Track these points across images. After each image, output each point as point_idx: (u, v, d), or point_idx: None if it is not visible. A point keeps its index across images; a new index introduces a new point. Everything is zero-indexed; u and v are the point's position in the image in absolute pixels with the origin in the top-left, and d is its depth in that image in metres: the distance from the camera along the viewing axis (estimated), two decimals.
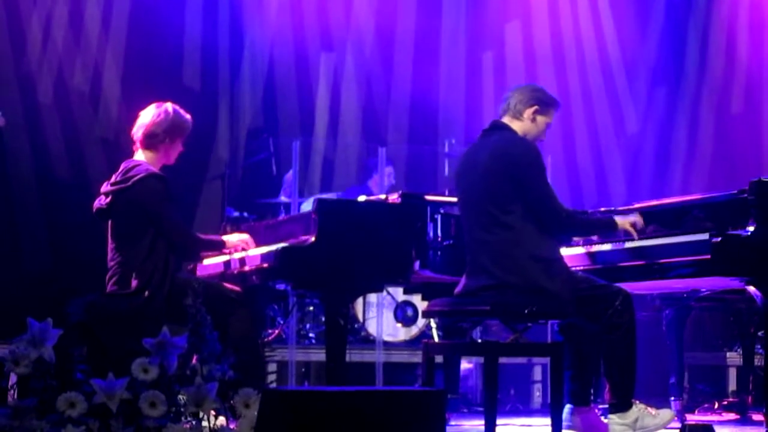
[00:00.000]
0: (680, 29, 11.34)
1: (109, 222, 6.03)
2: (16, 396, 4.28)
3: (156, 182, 5.91)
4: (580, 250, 6.04)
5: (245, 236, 6.30)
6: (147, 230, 5.87)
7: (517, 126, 5.65)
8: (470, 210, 5.65)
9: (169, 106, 6.12)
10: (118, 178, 5.99)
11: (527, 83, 5.96)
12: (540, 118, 5.68)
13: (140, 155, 6.08)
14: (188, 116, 6.18)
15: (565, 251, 5.83)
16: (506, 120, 5.67)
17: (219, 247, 6.26)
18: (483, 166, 5.55)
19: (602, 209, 6.28)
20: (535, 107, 5.66)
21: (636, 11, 11.39)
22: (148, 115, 6.08)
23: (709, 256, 5.31)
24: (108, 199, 6.00)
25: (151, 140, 6.05)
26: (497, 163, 5.49)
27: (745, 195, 5.49)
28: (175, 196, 6.01)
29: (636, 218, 5.75)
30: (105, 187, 6.05)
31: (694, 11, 11.32)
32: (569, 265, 5.70)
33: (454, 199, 6.19)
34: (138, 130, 6.07)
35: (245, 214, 9.27)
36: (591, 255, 5.99)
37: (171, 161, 6.18)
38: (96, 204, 6.08)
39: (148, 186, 5.89)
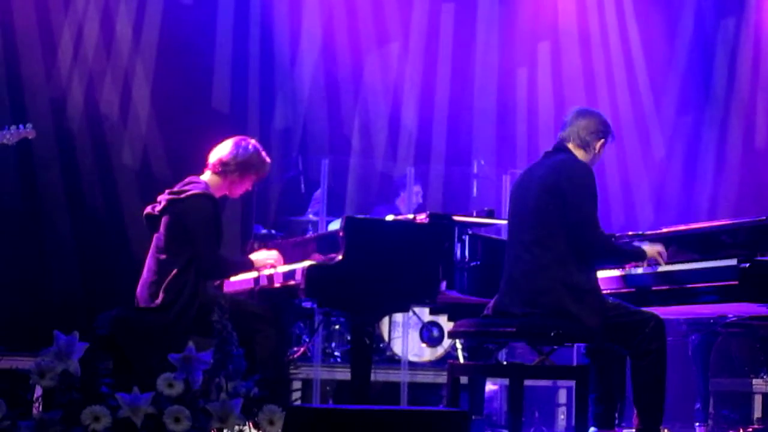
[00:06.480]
0: (708, 53, 11.30)
1: (154, 232, 6.01)
2: (41, 408, 4.30)
3: (206, 202, 5.91)
4: (614, 272, 6.03)
5: (274, 254, 6.26)
6: (187, 247, 5.86)
7: (580, 154, 5.69)
8: (517, 224, 5.68)
9: (253, 142, 6.15)
10: (175, 189, 6.00)
11: (586, 108, 5.94)
12: (602, 148, 5.76)
13: (206, 176, 6.09)
14: (268, 160, 6.20)
15: (599, 273, 5.81)
16: (571, 147, 5.71)
17: (248, 268, 6.22)
18: (538, 181, 5.60)
19: (630, 233, 6.28)
20: (603, 140, 5.73)
21: (664, 34, 11.35)
22: (228, 144, 6.10)
23: (736, 282, 5.30)
24: (160, 207, 5.99)
25: (222, 167, 6.05)
26: (552, 179, 5.54)
27: None
28: (220, 223, 5.98)
29: (661, 247, 5.78)
30: (162, 195, 6.04)
31: (722, 34, 11.27)
32: (602, 287, 5.69)
33: (482, 220, 6.19)
34: (214, 155, 6.09)
35: (273, 231, 9.27)
36: (623, 278, 5.99)
37: (234, 195, 6.21)
38: (147, 209, 6.07)
39: (198, 203, 5.89)
